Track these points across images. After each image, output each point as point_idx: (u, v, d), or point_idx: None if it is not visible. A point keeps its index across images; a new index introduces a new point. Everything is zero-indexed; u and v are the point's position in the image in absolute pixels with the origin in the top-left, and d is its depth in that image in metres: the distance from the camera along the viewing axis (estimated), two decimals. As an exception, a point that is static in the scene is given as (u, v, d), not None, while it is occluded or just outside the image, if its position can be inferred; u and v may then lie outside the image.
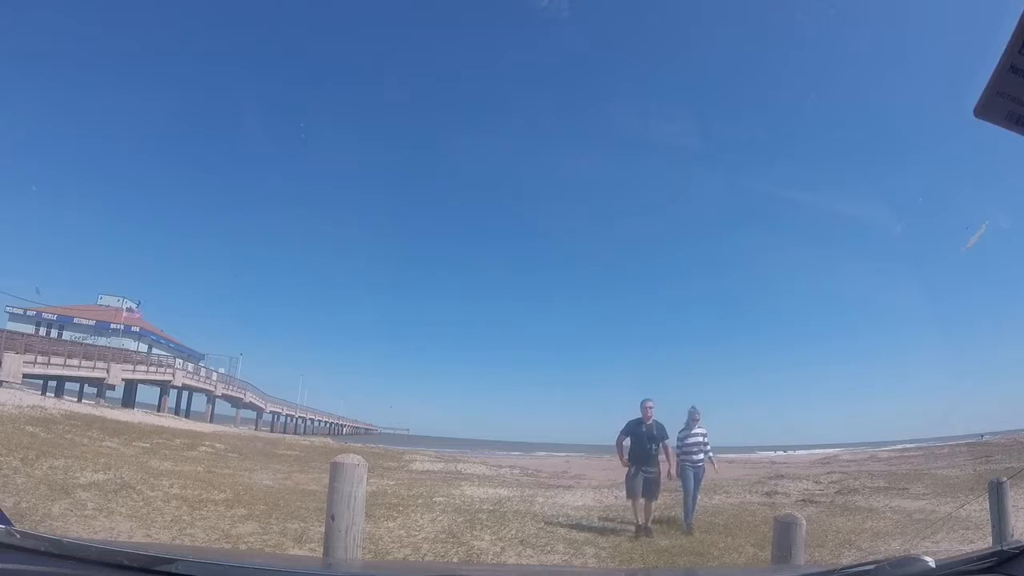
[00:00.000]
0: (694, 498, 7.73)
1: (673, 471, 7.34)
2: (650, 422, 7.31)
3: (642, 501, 7.12)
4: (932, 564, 1.36)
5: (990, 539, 5.43)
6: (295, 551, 5.19)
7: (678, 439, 7.93)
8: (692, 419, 8.12)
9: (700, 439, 8.00)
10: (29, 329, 33.42)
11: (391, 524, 6.66)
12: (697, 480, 7.86)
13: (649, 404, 7.41)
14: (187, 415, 38.75)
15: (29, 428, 12.25)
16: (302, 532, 5.79)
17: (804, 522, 3.16)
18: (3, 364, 23.47)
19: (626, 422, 7.49)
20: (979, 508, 6.48)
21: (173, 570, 1.28)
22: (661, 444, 7.29)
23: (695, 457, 7.93)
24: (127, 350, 35.17)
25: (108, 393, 30.52)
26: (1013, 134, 1.06)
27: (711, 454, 8.20)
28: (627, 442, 7.40)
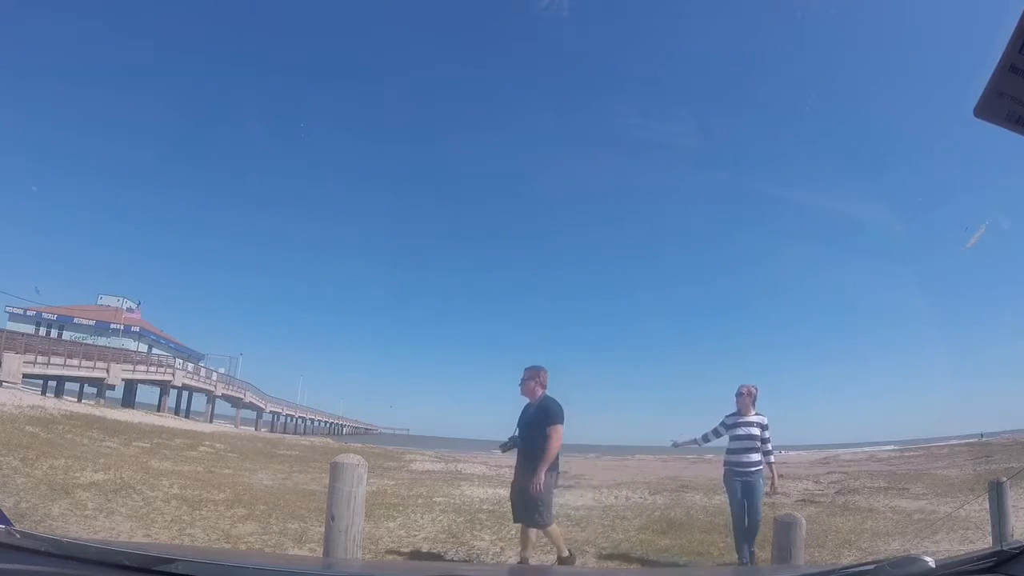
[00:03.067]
0: (752, 522, 5.24)
1: (539, 480, 4.45)
2: (534, 402, 4.81)
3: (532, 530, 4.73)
4: (932, 564, 1.36)
5: (990, 539, 5.43)
6: (295, 551, 5.18)
7: (723, 426, 5.62)
8: (742, 401, 5.55)
9: (755, 431, 5.43)
10: (29, 329, 33.47)
11: (391, 524, 6.66)
12: (749, 494, 5.29)
13: (536, 378, 4.81)
14: (187, 415, 38.77)
15: (29, 428, 12.25)
16: (302, 532, 5.78)
17: (804, 522, 3.17)
18: (3, 364, 23.47)
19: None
20: (979, 508, 6.47)
21: (173, 570, 1.28)
22: (548, 429, 4.57)
23: (746, 459, 5.39)
24: (127, 350, 35.19)
25: (108, 393, 30.55)
26: (1013, 134, 1.06)
27: (771, 456, 5.50)
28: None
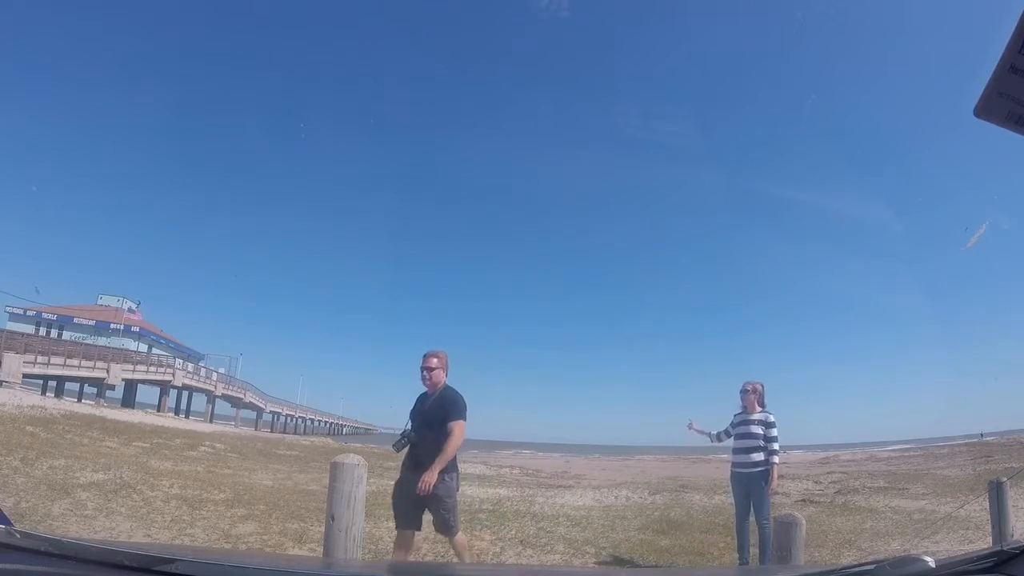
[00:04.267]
0: (758, 524, 5.03)
1: (431, 478, 3.80)
2: (433, 393, 4.14)
3: (411, 535, 4.14)
4: (932, 564, 1.36)
5: (990, 539, 5.43)
6: (295, 551, 5.18)
7: (732, 425, 5.47)
8: (746, 399, 5.39)
9: (756, 429, 5.23)
10: (29, 329, 33.46)
11: (391, 524, 6.64)
12: (752, 494, 5.13)
13: (442, 364, 4.17)
14: (187, 415, 38.80)
15: (29, 428, 12.24)
16: (302, 532, 5.78)
17: (804, 522, 3.16)
18: (3, 364, 23.49)
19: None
20: (979, 508, 6.48)
21: (173, 570, 1.28)
22: (450, 425, 3.95)
23: (746, 458, 5.22)
24: (127, 350, 35.18)
25: (108, 393, 30.57)
26: (1013, 134, 1.06)
27: (775, 456, 5.16)
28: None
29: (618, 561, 5.70)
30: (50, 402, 20.86)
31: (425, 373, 4.13)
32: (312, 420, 60.95)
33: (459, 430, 3.98)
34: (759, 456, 5.18)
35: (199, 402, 42.08)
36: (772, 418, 5.30)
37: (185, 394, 40.90)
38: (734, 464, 5.34)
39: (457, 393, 4.15)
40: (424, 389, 4.21)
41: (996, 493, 5.18)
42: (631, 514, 8.53)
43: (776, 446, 5.21)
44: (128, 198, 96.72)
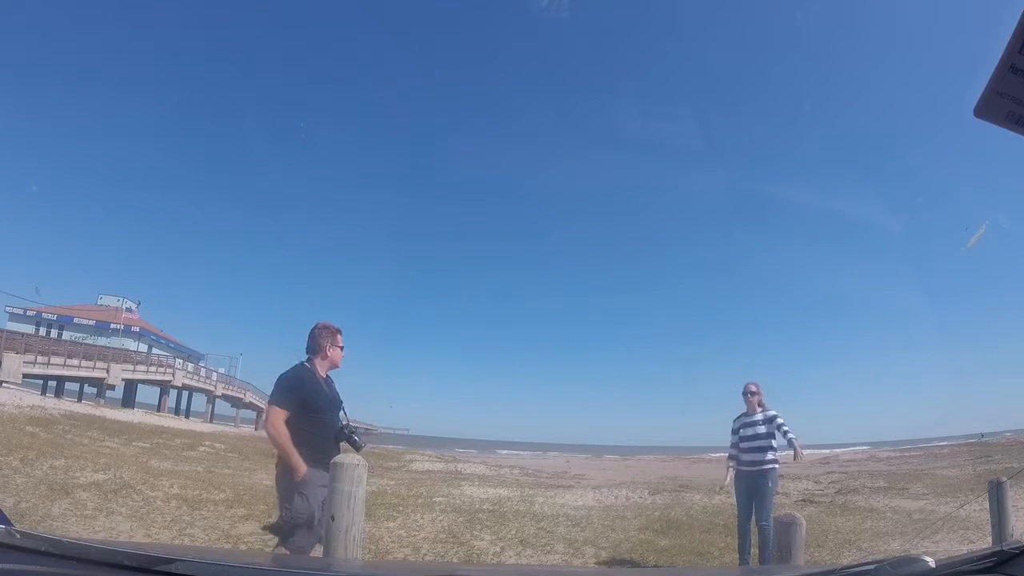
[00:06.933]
0: (760, 525, 5.05)
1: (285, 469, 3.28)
2: (326, 377, 3.47)
3: None
4: (932, 564, 1.36)
5: (990, 539, 5.42)
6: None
7: (733, 431, 5.54)
8: (750, 400, 5.46)
9: (763, 428, 5.30)
10: (29, 329, 33.43)
11: (391, 524, 6.66)
12: (755, 495, 5.19)
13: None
14: (187, 415, 38.79)
15: (29, 428, 12.24)
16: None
17: (804, 522, 3.16)
18: (3, 364, 23.46)
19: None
20: (979, 508, 6.47)
21: (173, 570, 1.28)
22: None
23: (749, 458, 5.30)
24: (127, 350, 35.17)
25: (108, 393, 30.55)
26: (1013, 134, 1.06)
27: (794, 438, 5.19)
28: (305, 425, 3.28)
29: (618, 561, 5.71)
30: (50, 402, 20.86)
31: (343, 352, 3.50)
32: (312, 420, 60.83)
33: (266, 416, 3.42)
34: (761, 456, 5.26)
35: (199, 402, 42.12)
36: (773, 412, 5.39)
37: (185, 394, 40.89)
38: (740, 463, 5.39)
39: (286, 372, 3.48)
40: (324, 370, 3.46)
41: (996, 493, 5.17)
42: (631, 514, 8.53)
43: (791, 433, 5.23)
44: (128, 198, 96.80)
